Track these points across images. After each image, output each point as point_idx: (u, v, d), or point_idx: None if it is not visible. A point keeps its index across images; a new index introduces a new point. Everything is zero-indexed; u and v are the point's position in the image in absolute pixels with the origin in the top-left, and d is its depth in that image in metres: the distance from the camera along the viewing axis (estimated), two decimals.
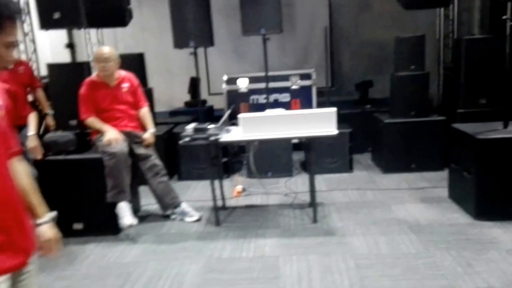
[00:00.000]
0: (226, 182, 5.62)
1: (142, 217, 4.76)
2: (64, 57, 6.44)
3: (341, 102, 6.97)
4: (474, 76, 5.51)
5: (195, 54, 5.66)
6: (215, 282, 3.41)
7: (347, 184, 5.45)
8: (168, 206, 4.59)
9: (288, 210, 4.62)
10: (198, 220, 4.52)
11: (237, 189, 5.27)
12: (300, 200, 4.98)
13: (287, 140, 5.40)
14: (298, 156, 6.41)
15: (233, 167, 6.10)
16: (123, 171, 4.16)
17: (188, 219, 4.54)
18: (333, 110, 4.10)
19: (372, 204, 4.73)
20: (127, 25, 6.26)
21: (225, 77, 6.73)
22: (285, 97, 6.68)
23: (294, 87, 6.65)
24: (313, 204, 4.30)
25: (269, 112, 4.39)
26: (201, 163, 5.74)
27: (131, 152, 4.45)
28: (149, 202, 4.88)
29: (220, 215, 4.58)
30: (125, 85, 4.46)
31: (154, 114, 5.53)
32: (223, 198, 4.81)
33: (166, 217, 4.68)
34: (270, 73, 6.66)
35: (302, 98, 6.62)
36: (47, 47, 7.81)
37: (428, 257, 3.53)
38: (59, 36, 6.93)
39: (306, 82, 6.62)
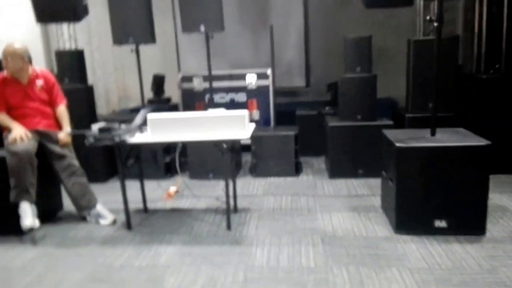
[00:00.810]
0: (166, 183, 5.52)
1: (61, 217, 4.65)
2: None
3: (312, 103, 6.87)
4: (422, 79, 5.17)
5: (136, 51, 5.43)
6: None
7: (285, 189, 5.21)
8: (84, 208, 4.45)
9: (210, 215, 4.42)
10: (113, 223, 4.28)
11: (169, 191, 5.05)
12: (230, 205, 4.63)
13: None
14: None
15: (179, 167, 5.84)
16: (26, 170, 4.00)
17: (102, 221, 4.38)
18: (245, 112, 3.85)
19: (299, 211, 4.50)
20: (81, 20, 6.07)
21: (179, 75, 6.47)
22: (241, 97, 6.43)
23: (250, 87, 6.36)
24: (228, 211, 4.09)
25: (180, 113, 4.16)
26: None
27: (46, 151, 4.33)
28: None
29: (138, 218, 4.48)
30: (39, 82, 4.30)
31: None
32: (144, 201, 4.59)
33: (84, 219, 4.44)
34: (227, 72, 6.46)
35: (259, 98, 6.33)
36: None
37: (323, 272, 3.29)
38: None
39: (263, 82, 6.34)
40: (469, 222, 3.74)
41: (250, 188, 5.23)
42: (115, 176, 5.84)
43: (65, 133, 4.35)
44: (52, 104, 4.44)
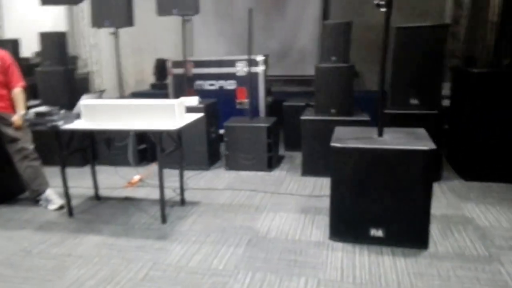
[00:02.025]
0: (136, 170, 5.44)
1: (20, 200, 4.72)
2: None
3: None
4: (404, 72, 4.81)
5: (115, 34, 5.37)
6: None
7: (248, 184, 5.01)
8: (34, 191, 4.46)
9: (156, 207, 4.28)
10: (61, 208, 4.28)
11: (133, 179, 4.98)
12: (185, 196, 4.58)
13: (127, 132, 5.02)
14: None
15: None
16: None
17: (50, 206, 4.40)
18: (175, 102, 3.70)
19: (246, 208, 4.31)
20: (78, 3, 6.12)
21: (170, 61, 6.36)
22: (230, 85, 6.23)
23: (240, 74, 6.16)
24: (162, 204, 3.98)
25: (112, 100, 4.05)
26: (115, 148, 5.53)
27: None
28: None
29: (85, 205, 4.48)
30: None
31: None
32: (95, 188, 4.55)
33: (37, 202, 4.49)
34: (217, 58, 6.30)
35: (248, 86, 6.10)
36: None
37: (226, 276, 3.14)
38: None
39: (254, 69, 6.09)
40: (409, 233, 3.40)
41: (214, 181, 5.08)
42: (95, 161, 5.76)
43: (18, 116, 4.34)
44: (8, 86, 4.41)
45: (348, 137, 3.54)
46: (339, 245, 3.47)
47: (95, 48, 8.80)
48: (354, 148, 3.38)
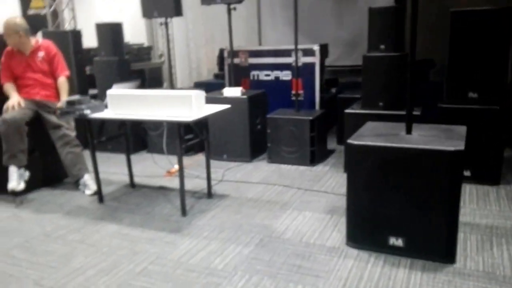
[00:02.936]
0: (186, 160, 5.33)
1: (64, 183, 4.92)
2: None
3: None
4: (463, 61, 4.37)
5: (166, 24, 5.42)
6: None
7: (284, 178, 4.81)
8: (74, 176, 4.63)
9: (185, 198, 4.24)
10: (95, 193, 4.41)
11: (172, 168, 5.01)
12: (214, 189, 4.56)
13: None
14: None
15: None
16: (14, 137, 4.28)
17: (87, 191, 4.53)
18: (192, 93, 3.62)
19: (272, 205, 4.15)
20: None
21: (226, 50, 6.30)
22: (286, 75, 6.05)
23: (295, 64, 5.94)
24: (182, 195, 3.91)
25: (134, 90, 4.05)
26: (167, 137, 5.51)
27: (43, 121, 4.57)
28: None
29: (118, 193, 4.58)
30: (41, 54, 4.53)
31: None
32: (130, 175, 4.63)
33: (78, 186, 4.68)
34: (271, 48, 6.16)
35: (304, 77, 5.89)
36: None
37: (221, 277, 3.02)
38: None
39: (309, 59, 5.87)
40: (433, 245, 3.02)
41: (252, 173, 4.96)
42: (145, 148, 6.07)
43: (61, 104, 4.50)
44: (53, 75, 4.59)
45: (371, 134, 3.24)
46: (354, 252, 3.20)
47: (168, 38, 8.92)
48: (371, 146, 3.07)
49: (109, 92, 3.86)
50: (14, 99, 4.37)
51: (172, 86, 6.65)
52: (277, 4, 7.71)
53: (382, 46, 4.52)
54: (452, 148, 2.82)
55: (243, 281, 2.90)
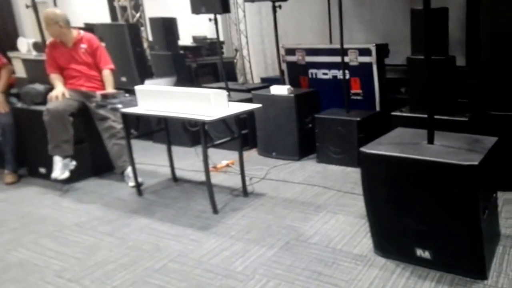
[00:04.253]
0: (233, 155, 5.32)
1: (113, 174, 4.95)
2: None
3: None
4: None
5: (215, 20, 5.42)
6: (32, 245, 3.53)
7: (328, 180, 4.65)
8: (119, 167, 4.73)
9: (220, 195, 4.25)
10: (136, 186, 4.49)
11: (220, 163, 5.02)
12: (253, 187, 4.52)
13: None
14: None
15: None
16: (57, 127, 4.43)
17: (130, 183, 4.63)
18: (211, 92, 3.59)
19: (306, 206, 4.03)
20: None
21: (283, 48, 6.21)
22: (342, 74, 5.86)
23: (352, 63, 5.76)
24: (211, 194, 3.88)
25: (161, 86, 4.07)
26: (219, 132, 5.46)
27: (90, 112, 4.71)
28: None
29: (159, 186, 4.64)
30: (83, 46, 4.67)
31: None
32: (172, 169, 4.68)
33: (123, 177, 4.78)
34: (327, 46, 6.00)
35: (361, 76, 5.70)
36: None
37: (237, 280, 2.95)
38: None
39: (366, 59, 5.66)
40: (461, 259, 2.81)
41: (296, 173, 4.85)
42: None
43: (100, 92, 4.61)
44: (97, 68, 4.71)
45: (391, 141, 3.06)
46: (381, 261, 3.02)
47: (243, 34, 8.95)
48: (383, 156, 2.90)
49: (137, 88, 3.87)
50: (58, 90, 4.51)
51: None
52: (348, 1, 7.45)
53: None
54: (465, 163, 2.57)
55: (258, 286, 2.83)
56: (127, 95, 4.09)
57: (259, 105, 3.98)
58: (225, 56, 8.10)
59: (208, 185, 3.78)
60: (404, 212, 2.86)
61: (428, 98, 2.91)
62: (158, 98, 3.76)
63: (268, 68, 8.97)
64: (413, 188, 2.81)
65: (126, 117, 4.07)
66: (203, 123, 3.55)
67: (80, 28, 5.12)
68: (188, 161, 5.20)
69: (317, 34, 7.63)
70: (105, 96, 3.99)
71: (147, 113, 3.84)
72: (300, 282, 2.82)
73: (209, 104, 3.48)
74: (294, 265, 3.03)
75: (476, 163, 2.54)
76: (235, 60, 8.44)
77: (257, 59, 8.88)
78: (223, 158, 5.14)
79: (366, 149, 2.92)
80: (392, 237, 2.98)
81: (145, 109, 3.85)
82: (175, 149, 4.75)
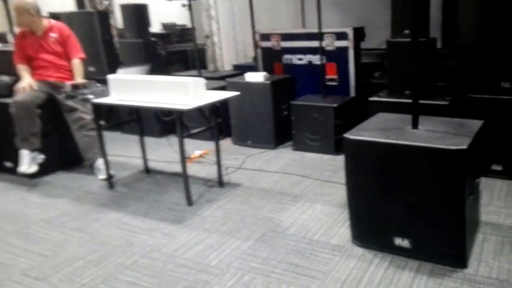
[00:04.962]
0: (206, 145, 5.19)
1: (82, 167, 4.82)
2: None
3: None
4: (492, 48, 3.88)
5: (189, 6, 5.25)
6: None
7: (305, 168, 4.56)
8: (89, 159, 4.58)
9: (196, 186, 4.11)
10: (106, 179, 4.33)
11: (193, 154, 4.88)
12: (229, 178, 4.41)
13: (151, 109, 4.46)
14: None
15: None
16: (25, 120, 4.25)
17: (100, 176, 4.46)
18: (190, 80, 3.44)
19: (283, 196, 3.93)
20: None
21: (258, 33, 6.05)
22: (319, 59, 5.74)
23: (329, 48, 5.63)
24: (186, 184, 3.73)
25: (134, 75, 3.90)
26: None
27: (58, 103, 4.51)
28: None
29: (131, 178, 4.50)
30: (53, 35, 4.47)
31: None
32: (145, 161, 4.52)
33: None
34: (303, 31, 5.86)
35: (337, 61, 5.58)
36: None
37: (212, 275, 2.84)
38: None
39: (343, 43, 5.54)
40: (442, 248, 2.73)
41: (272, 161, 4.74)
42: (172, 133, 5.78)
43: (70, 83, 4.43)
44: (67, 57, 4.52)
45: (375, 127, 2.97)
46: (359, 251, 2.94)
47: (214, 20, 8.75)
48: (368, 142, 2.80)
49: (109, 76, 3.71)
50: (25, 81, 4.33)
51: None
52: None
53: (406, 31, 4.12)
54: (453, 147, 2.48)
55: (233, 280, 2.71)
56: (98, 85, 3.90)
57: (237, 93, 3.85)
58: (196, 43, 7.89)
59: (184, 177, 3.65)
60: (387, 199, 2.78)
61: (414, 82, 2.80)
62: (133, 87, 3.62)
63: (239, 55, 8.80)
64: (398, 175, 2.72)
65: (97, 108, 3.88)
66: (180, 112, 3.39)
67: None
68: (159, 152, 5.08)
69: (290, 19, 7.49)
70: (75, 87, 3.82)
71: (121, 103, 3.68)
72: (277, 275, 2.73)
73: (187, 92, 3.35)
74: (270, 258, 2.92)
75: (465, 147, 2.47)
76: (206, 47, 8.25)
77: (228, 45, 8.71)
78: (196, 148, 5.00)
79: (350, 136, 2.83)
80: (372, 226, 2.90)
81: (118, 99, 3.68)
82: (145, 139, 4.60)
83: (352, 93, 5.49)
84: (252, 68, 6.19)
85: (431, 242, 2.70)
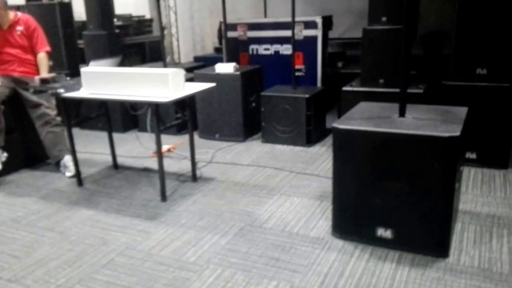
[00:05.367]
0: (172, 139, 5.21)
1: (47, 164, 4.67)
2: None
3: None
4: (470, 35, 3.96)
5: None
6: None
7: (277, 160, 4.54)
8: (54, 157, 4.41)
9: (169, 181, 4.00)
10: (75, 175, 4.16)
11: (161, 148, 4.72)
12: (201, 172, 4.33)
13: (127, 102, 4.42)
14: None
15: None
16: None
17: (67, 173, 4.31)
18: (169, 71, 3.33)
19: (260, 189, 3.90)
20: None
21: (223, 23, 5.94)
22: (287, 49, 5.69)
23: (297, 37, 5.58)
24: (161, 179, 3.67)
25: (109, 68, 3.77)
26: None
27: (21, 98, 4.33)
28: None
29: (99, 175, 4.36)
30: (19, 28, 4.27)
31: None
32: (113, 157, 4.38)
33: (59, 167, 4.45)
34: (271, 20, 5.80)
35: (304, 51, 5.53)
36: None
37: (191, 271, 2.77)
38: None
39: (311, 32, 5.51)
40: (424, 238, 2.74)
41: (243, 154, 4.68)
42: (136, 128, 5.77)
43: (37, 80, 4.24)
44: (33, 50, 4.33)
45: (361, 116, 2.94)
46: (339, 243, 2.92)
47: (172, 10, 8.60)
48: (358, 131, 2.77)
49: (82, 69, 3.58)
50: None
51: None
52: None
53: (384, 18, 4.13)
54: (446, 134, 2.49)
55: (213, 276, 2.66)
56: (67, 78, 3.75)
57: (213, 84, 3.77)
58: (154, 35, 7.76)
59: (160, 172, 3.56)
60: (373, 190, 2.77)
61: (403, 71, 2.78)
62: (107, 80, 3.48)
63: (196, 46, 8.68)
64: (387, 164, 2.72)
65: (67, 103, 3.73)
66: (156, 105, 3.30)
67: None
68: (124, 147, 4.99)
69: (251, 8, 7.41)
70: (45, 81, 3.64)
71: (95, 97, 3.53)
72: (257, 270, 2.69)
73: (167, 84, 3.24)
74: (250, 252, 2.88)
75: (458, 134, 2.48)
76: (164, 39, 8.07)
77: (186, 37, 8.56)
78: (150, 142, 4.84)
79: (339, 125, 2.80)
80: (355, 217, 2.90)
81: (91, 92, 3.54)
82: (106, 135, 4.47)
83: (319, 83, 5.48)
84: (215, 60, 6.11)
85: (414, 232, 2.72)
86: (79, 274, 2.75)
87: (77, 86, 3.75)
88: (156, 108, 3.37)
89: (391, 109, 3.01)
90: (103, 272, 2.76)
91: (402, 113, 2.92)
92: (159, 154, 3.48)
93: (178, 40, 8.57)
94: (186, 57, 8.61)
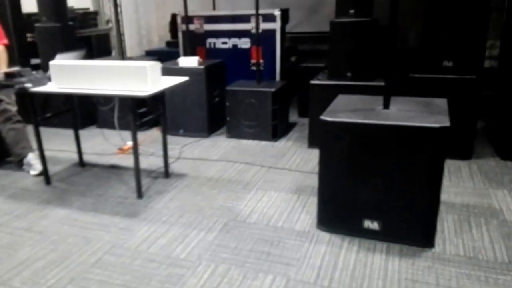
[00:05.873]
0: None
1: (4, 163, 4.48)
2: None
3: None
4: (436, 28, 4.11)
5: None
6: None
7: (246, 155, 4.57)
8: (17, 155, 4.21)
9: (141, 178, 3.90)
10: (40, 174, 3.99)
11: (125, 145, 4.63)
12: (172, 168, 4.27)
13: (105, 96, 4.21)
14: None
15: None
16: None
17: (31, 172, 4.13)
18: (147, 64, 3.25)
19: (235, 184, 3.91)
20: None
21: (179, 16, 5.86)
22: (245, 43, 5.70)
23: (254, 31, 5.58)
24: (137, 176, 3.59)
25: (82, 61, 3.64)
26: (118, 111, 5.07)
27: None
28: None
29: (66, 173, 4.23)
30: None
31: None
32: (79, 154, 4.23)
33: (21, 166, 4.26)
34: (229, 12, 5.76)
35: (263, 45, 5.54)
36: None
37: (184, 268, 2.76)
38: None
39: (270, 25, 5.53)
40: (411, 228, 2.85)
41: (210, 150, 4.67)
42: (95, 124, 5.67)
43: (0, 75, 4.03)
44: None
45: (345, 109, 3.02)
46: (326, 236, 3.00)
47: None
48: (348, 123, 2.84)
49: (52, 63, 3.45)
50: None
51: (122, 55, 6.16)
52: None
53: (352, 11, 4.24)
54: (437, 125, 2.62)
55: (208, 272, 2.67)
56: (34, 72, 3.60)
57: (186, 78, 3.74)
58: (99, 28, 7.56)
59: (136, 169, 3.50)
60: (361, 182, 2.85)
61: (389, 63, 2.90)
62: (79, 74, 3.37)
63: (142, 41, 8.54)
64: (375, 156, 2.79)
65: (33, 98, 3.59)
66: (132, 99, 3.24)
67: None
68: (86, 144, 4.84)
69: (198, 1, 7.36)
70: (10, 75, 3.48)
71: (65, 91, 3.42)
72: (251, 265, 2.73)
73: (145, 78, 3.18)
74: (239, 247, 2.92)
75: (448, 124, 2.59)
76: (110, 33, 7.89)
77: (131, 31, 8.40)
78: (120, 139, 4.81)
79: (328, 118, 2.85)
80: (341, 209, 2.98)
81: (60, 87, 3.42)
82: (67, 132, 4.34)
83: (277, 77, 5.55)
84: (168, 54, 6.05)
85: (400, 223, 2.83)
86: (68, 274, 2.68)
87: (44, 81, 3.60)
88: (133, 103, 3.30)
89: (372, 102, 3.13)
90: (94, 271, 2.71)
91: (386, 105, 3.03)
92: (135, 151, 3.44)
93: (123, 34, 8.36)
94: (131, 51, 8.42)
